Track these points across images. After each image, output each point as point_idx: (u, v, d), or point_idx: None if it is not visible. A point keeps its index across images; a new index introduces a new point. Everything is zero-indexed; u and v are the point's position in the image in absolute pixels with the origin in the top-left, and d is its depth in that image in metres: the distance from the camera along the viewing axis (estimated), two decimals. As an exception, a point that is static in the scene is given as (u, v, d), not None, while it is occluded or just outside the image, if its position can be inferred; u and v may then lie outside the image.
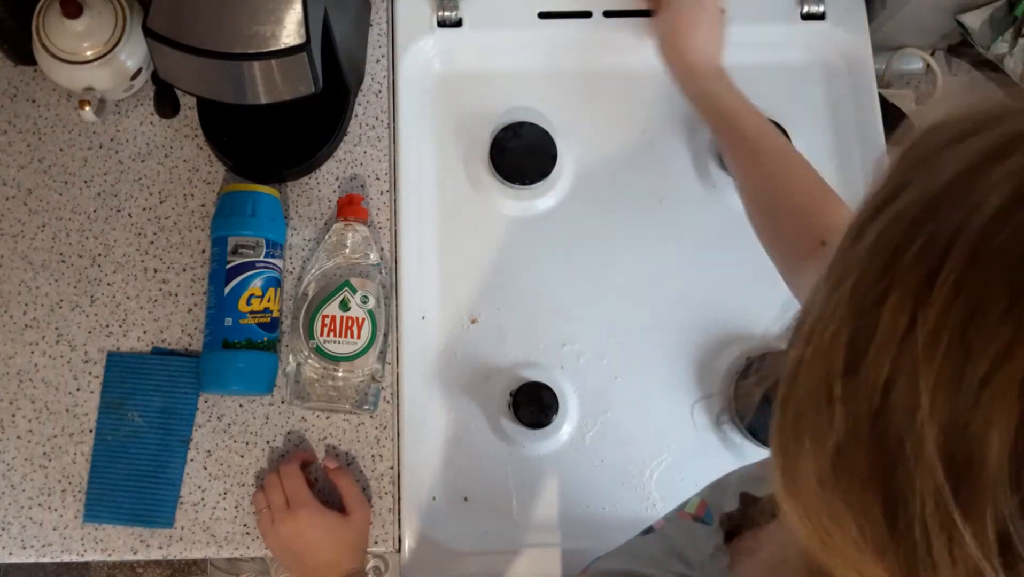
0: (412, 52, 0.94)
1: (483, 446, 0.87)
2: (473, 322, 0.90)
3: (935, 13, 0.95)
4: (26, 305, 0.88)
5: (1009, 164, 0.28)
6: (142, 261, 0.89)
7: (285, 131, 0.90)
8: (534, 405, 0.83)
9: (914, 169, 0.31)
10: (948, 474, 0.27)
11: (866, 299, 0.30)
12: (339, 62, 0.84)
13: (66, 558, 0.83)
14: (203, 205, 0.91)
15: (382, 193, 0.92)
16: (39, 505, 0.84)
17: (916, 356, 0.27)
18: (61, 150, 0.92)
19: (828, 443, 0.30)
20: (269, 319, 0.84)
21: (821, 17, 0.95)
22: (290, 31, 0.72)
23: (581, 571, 0.59)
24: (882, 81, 1.00)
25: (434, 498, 0.86)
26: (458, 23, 0.94)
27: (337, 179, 0.92)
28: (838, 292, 0.31)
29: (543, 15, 0.95)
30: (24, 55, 0.89)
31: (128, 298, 0.88)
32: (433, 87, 0.95)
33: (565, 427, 0.86)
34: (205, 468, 0.85)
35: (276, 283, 0.86)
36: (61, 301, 0.88)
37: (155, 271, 0.89)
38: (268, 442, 0.86)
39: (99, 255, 0.89)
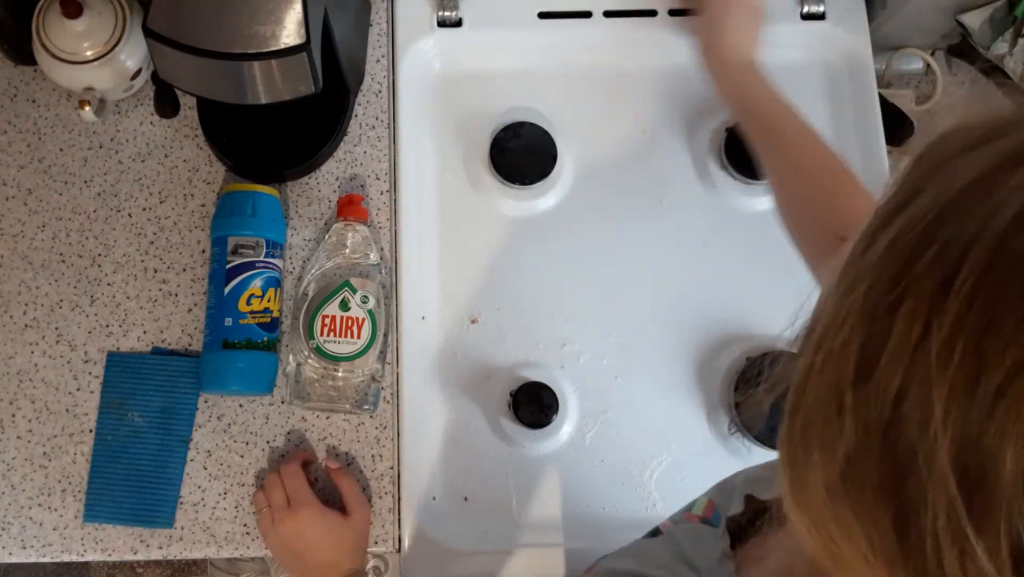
0: (412, 52, 0.94)
1: (483, 446, 0.87)
2: (473, 322, 0.90)
3: (935, 13, 0.95)
4: (26, 305, 0.88)
5: None
6: (142, 261, 0.89)
7: (285, 131, 0.90)
8: (534, 405, 0.83)
9: (927, 176, 0.31)
10: (961, 487, 0.26)
11: (878, 306, 0.29)
12: (339, 62, 0.84)
13: (66, 558, 0.83)
14: (203, 205, 0.91)
15: (382, 193, 0.92)
16: (39, 505, 0.84)
17: (929, 365, 0.27)
18: (61, 150, 0.92)
19: (838, 453, 0.30)
20: (269, 319, 0.84)
21: (821, 17, 0.95)
22: (290, 31, 0.72)
23: (586, 570, 0.59)
24: (882, 81, 1.00)
25: (434, 498, 0.86)
26: (458, 23, 0.94)
27: (337, 179, 0.92)
28: (849, 299, 0.30)
29: (543, 15, 0.95)
30: (24, 55, 0.89)
31: (128, 298, 0.88)
32: (433, 87, 0.95)
33: (565, 427, 0.86)
34: (205, 468, 0.85)
35: (276, 283, 0.86)
36: (61, 301, 0.88)
37: (155, 271, 0.89)
38: (268, 442, 0.86)
39: (99, 255, 0.89)
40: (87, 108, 0.84)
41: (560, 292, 0.90)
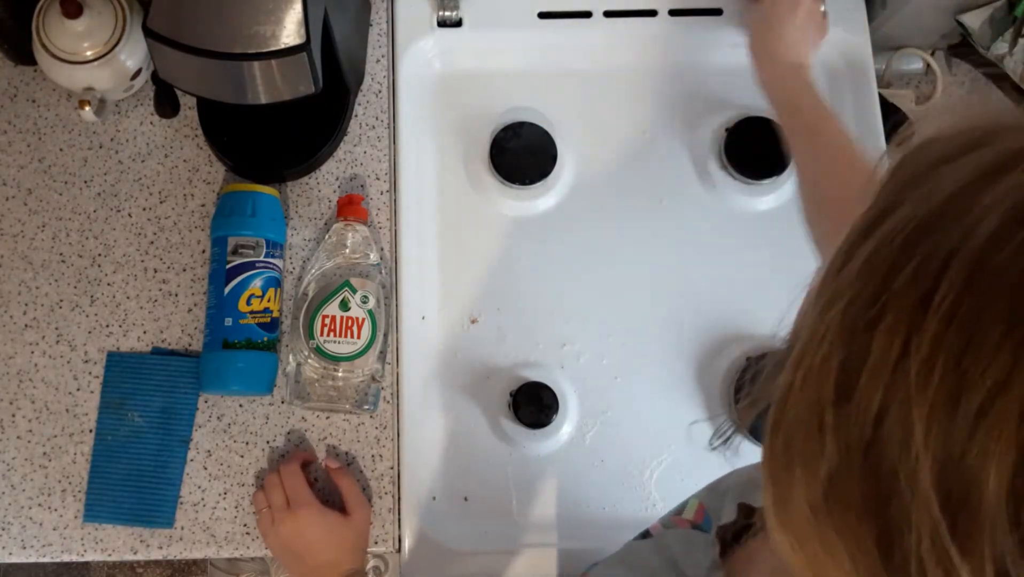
0: (412, 52, 0.94)
1: (483, 446, 0.87)
2: (473, 322, 0.90)
3: (935, 13, 0.95)
4: (26, 305, 0.88)
5: (1006, 183, 0.27)
6: (142, 261, 0.89)
7: (285, 131, 0.90)
8: (534, 405, 0.83)
9: (906, 188, 0.30)
10: (944, 508, 0.26)
11: (857, 323, 0.28)
12: (339, 62, 0.84)
13: (66, 558, 0.83)
14: (203, 205, 0.91)
15: (382, 193, 0.92)
16: (39, 505, 0.84)
17: (909, 384, 0.26)
18: (61, 150, 0.92)
19: (820, 472, 0.29)
20: (269, 319, 0.84)
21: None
22: (290, 31, 0.72)
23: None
24: (882, 81, 1.00)
25: (434, 498, 0.86)
26: (458, 23, 0.94)
27: (337, 179, 0.92)
28: (828, 315, 0.30)
29: (543, 15, 0.95)
30: (24, 55, 0.89)
31: (128, 298, 0.88)
32: (433, 87, 0.95)
33: (565, 427, 0.86)
34: (205, 468, 0.85)
35: (276, 283, 0.86)
36: (61, 301, 0.88)
37: (155, 271, 0.89)
38: (268, 442, 0.86)
39: (99, 255, 0.89)
40: (87, 108, 0.84)
41: (560, 292, 0.90)
